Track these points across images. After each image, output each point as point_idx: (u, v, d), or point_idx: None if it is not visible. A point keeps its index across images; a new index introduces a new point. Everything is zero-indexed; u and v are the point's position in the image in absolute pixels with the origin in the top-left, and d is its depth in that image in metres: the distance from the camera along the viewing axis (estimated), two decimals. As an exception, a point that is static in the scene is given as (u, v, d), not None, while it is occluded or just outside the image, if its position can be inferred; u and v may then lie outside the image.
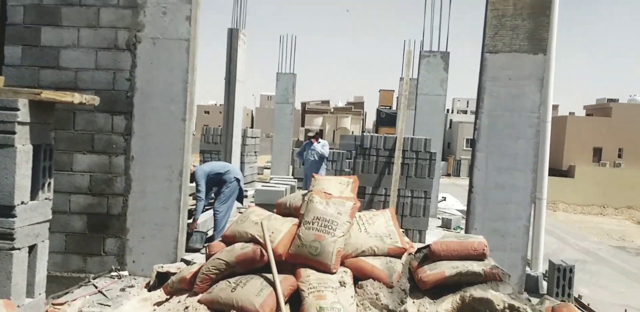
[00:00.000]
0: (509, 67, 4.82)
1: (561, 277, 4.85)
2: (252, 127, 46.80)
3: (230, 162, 8.64)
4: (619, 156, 35.19)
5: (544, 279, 5.24)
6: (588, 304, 5.20)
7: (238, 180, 6.14)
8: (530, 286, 5.02)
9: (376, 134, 7.72)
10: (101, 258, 4.85)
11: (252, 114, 65.11)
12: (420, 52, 9.78)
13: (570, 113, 40.48)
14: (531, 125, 4.81)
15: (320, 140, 9.70)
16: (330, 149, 9.97)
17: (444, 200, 11.90)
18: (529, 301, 3.42)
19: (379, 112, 54.33)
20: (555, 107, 49.36)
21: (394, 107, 42.86)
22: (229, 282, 3.16)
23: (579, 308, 4.71)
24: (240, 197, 6.27)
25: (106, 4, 4.81)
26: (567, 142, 35.08)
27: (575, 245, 22.30)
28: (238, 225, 3.72)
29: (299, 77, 15.16)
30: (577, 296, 5.17)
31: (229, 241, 3.67)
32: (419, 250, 3.67)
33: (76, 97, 3.02)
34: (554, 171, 31.31)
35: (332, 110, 60.10)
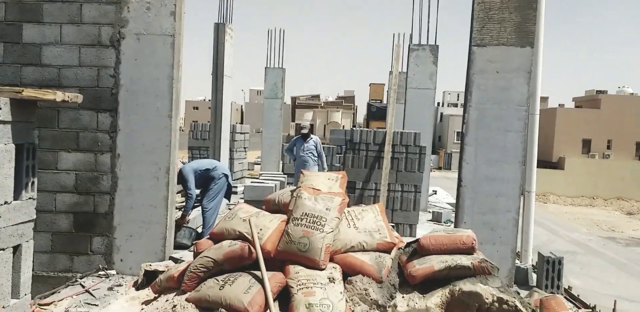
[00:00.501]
0: (496, 60, 4.81)
1: (550, 270, 4.88)
2: (241, 122, 46.63)
3: (219, 159, 8.60)
4: (608, 148, 35.53)
5: (534, 272, 5.27)
6: (578, 295, 5.25)
7: (226, 176, 6.10)
8: (520, 279, 5.04)
9: (366, 129, 7.71)
10: (88, 257, 4.80)
11: (241, 110, 64.86)
12: (410, 45, 9.77)
13: (559, 105, 40.72)
14: (519, 118, 4.81)
15: (312, 136, 9.51)
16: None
17: (435, 193, 11.94)
18: (518, 293, 3.42)
19: (369, 106, 54.37)
20: (544, 99, 49.69)
21: (385, 101, 42.87)
22: (217, 280, 3.14)
23: (568, 299, 4.75)
24: (229, 194, 6.23)
25: (89, 0, 4.72)
26: (557, 134, 35.35)
27: (566, 236, 22.54)
28: (226, 222, 3.69)
29: (289, 71, 15.11)
30: (567, 287, 5.22)
31: (217, 238, 3.64)
32: (408, 245, 3.67)
33: (59, 95, 2.96)
34: (544, 163, 31.58)
35: (322, 104, 60.07)
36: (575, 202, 32.14)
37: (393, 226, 5.22)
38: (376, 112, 49.62)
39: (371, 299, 3.05)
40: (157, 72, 4.76)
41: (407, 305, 3.09)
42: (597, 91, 38.46)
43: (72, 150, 4.81)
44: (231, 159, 11.33)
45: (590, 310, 4.65)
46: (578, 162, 33.42)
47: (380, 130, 7.48)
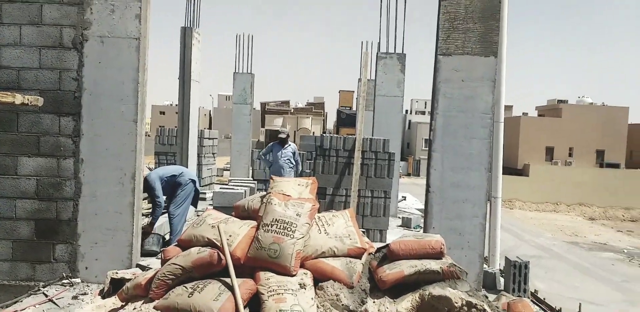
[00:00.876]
0: (461, 69, 4.91)
1: (517, 274, 4.98)
2: (210, 127, 46.05)
3: (186, 164, 8.45)
4: (570, 155, 36.83)
5: (501, 276, 5.37)
6: (544, 299, 5.37)
7: (194, 182, 6.00)
8: (488, 283, 5.13)
9: (336, 135, 7.74)
10: (51, 265, 4.62)
11: (209, 115, 64.20)
12: (378, 54, 9.90)
13: (523, 113, 41.98)
14: (484, 125, 4.92)
15: (289, 143, 9.47)
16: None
17: (404, 199, 12.07)
18: (486, 297, 3.48)
19: (339, 112, 54.70)
20: (509, 108, 51.11)
21: (354, 108, 43.25)
22: (186, 287, 3.06)
23: (534, 303, 4.85)
24: (196, 200, 6.13)
25: (50, 1, 4.58)
26: (521, 141, 36.41)
27: (531, 241, 23.14)
28: (194, 229, 3.62)
29: (258, 77, 15.04)
30: (533, 291, 5.33)
31: (185, 245, 3.56)
32: (378, 250, 3.68)
33: (17, 98, 2.85)
34: (510, 170, 32.47)
35: (292, 110, 60.11)
36: (539, 208, 33.10)
37: (363, 232, 5.23)
38: (346, 119, 49.95)
39: (342, 305, 3.04)
40: (121, 75, 4.65)
41: (378, 310, 3.09)
42: (558, 101, 39.91)
43: (33, 155, 4.63)
44: (199, 164, 11.16)
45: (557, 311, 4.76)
46: (542, 169, 34.49)
47: (350, 136, 7.53)
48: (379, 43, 10.02)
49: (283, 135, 9.39)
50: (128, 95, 4.65)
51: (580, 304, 8.24)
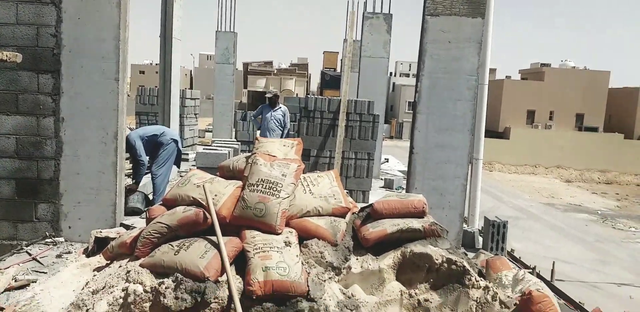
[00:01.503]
0: (449, 30, 4.86)
1: (495, 233, 5.16)
2: (191, 88, 45.15)
3: (168, 125, 8.34)
4: (550, 118, 37.28)
5: (480, 235, 5.56)
6: (520, 257, 5.60)
7: (176, 141, 5.94)
8: (467, 242, 5.31)
9: (320, 97, 7.67)
10: (33, 225, 4.62)
11: (190, 75, 62.81)
12: (364, 13, 9.67)
13: (507, 77, 41.97)
14: (469, 87, 4.92)
15: (280, 105, 9.32)
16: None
17: (387, 161, 12.20)
18: (466, 255, 3.61)
19: (323, 74, 53.93)
20: (493, 71, 51.00)
21: (339, 70, 42.68)
22: (172, 245, 3.10)
23: (511, 261, 5.06)
24: (179, 160, 6.09)
25: (23, -50, 4.32)
26: (504, 105, 36.63)
27: (509, 203, 23.82)
28: (179, 188, 3.63)
29: (241, 36, 14.62)
30: (510, 250, 5.55)
31: (169, 204, 3.58)
32: (362, 209, 3.75)
33: (-8, 52, 2.73)
34: (491, 133, 32.83)
35: (275, 71, 59.07)
36: (518, 171, 33.87)
37: (347, 192, 5.31)
38: (330, 81, 49.34)
39: (326, 262, 3.12)
40: (102, 32, 4.49)
41: (361, 266, 3.19)
42: (541, 64, 39.88)
43: (12, 114, 4.52)
44: (181, 125, 11.02)
45: (531, 270, 4.98)
46: (522, 132, 34.96)
47: (335, 98, 7.47)
48: (365, 2, 9.78)
49: (269, 95, 9.25)
50: (109, 53, 4.52)
51: (553, 262, 8.63)
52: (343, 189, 3.87)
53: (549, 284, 4.98)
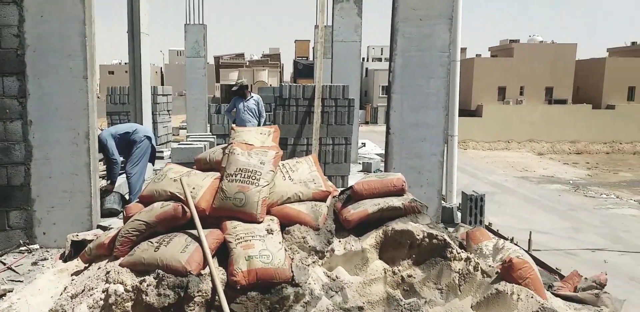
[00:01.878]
0: (420, 7, 4.86)
1: (473, 207, 5.25)
2: (162, 85, 44.41)
3: (141, 122, 8.19)
4: (521, 94, 37.83)
5: (458, 211, 5.65)
6: (497, 230, 5.72)
7: (149, 138, 5.84)
8: (446, 218, 5.39)
9: (295, 84, 7.62)
10: (6, 233, 4.49)
11: (161, 72, 61.68)
12: (334, -3, 9.62)
13: (477, 55, 42.33)
14: (442, 64, 4.95)
15: (252, 95, 9.15)
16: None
17: (364, 146, 12.26)
18: (446, 229, 3.67)
19: (295, 63, 53.60)
20: (463, 50, 51.36)
21: (311, 58, 42.45)
22: (151, 242, 3.06)
23: (489, 232, 5.17)
24: (153, 158, 6.00)
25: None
26: (475, 83, 37.00)
27: (485, 179, 24.25)
28: (155, 184, 3.57)
29: (210, 29, 14.40)
30: (487, 224, 5.66)
31: (147, 201, 3.52)
32: (342, 192, 3.76)
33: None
34: (464, 112, 33.17)
35: (247, 63, 58.47)
36: (492, 147, 34.47)
37: (326, 178, 5.32)
38: (303, 70, 49.07)
39: (309, 246, 3.13)
40: (67, 29, 4.36)
41: (344, 248, 3.21)
42: (510, 40, 40.28)
43: (-25, 120, 4.37)
44: (154, 123, 10.84)
45: (509, 240, 5.09)
46: (494, 109, 35.49)
47: (310, 85, 7.43)
48: (332, -15, 9.69)
49: (235, 88, 9.12)
50: (75, 50, 4.39)
51: (530, 232, 8.84)
52: (322, 174, 3.86)
53: (528, 253, 5.10)
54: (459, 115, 6.74)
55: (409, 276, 3.10)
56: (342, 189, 3.96)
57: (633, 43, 40.17)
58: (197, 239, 3.01)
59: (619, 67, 36.70)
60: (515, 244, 5.29)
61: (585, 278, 3.30)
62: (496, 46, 42.44)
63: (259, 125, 9.15)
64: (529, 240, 7.87)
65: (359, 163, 9.41)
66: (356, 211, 3.35)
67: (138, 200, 3.72)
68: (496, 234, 5.55)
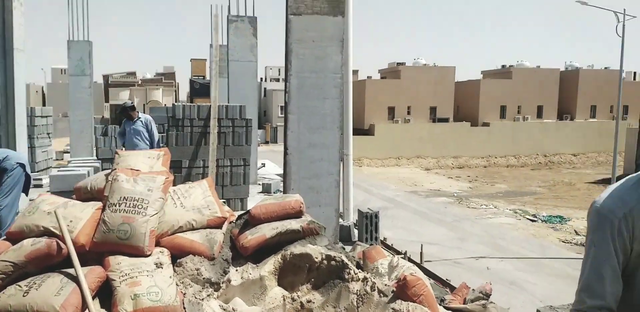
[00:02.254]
0: (312, 29, 4.96)
1: (369, 223, 5.39)
2: (44, 105, 40.61)
3: (14, 148, 7.33)
4: (408, 113, 40.44)
5: (355, 228, 5.77)
6: (392, 245, 5.93)
7: (22, 166, 5.23)
8: (344, 236, 5.47)
9: (189, 104, 7.37)
10: None
11: (42, 91, 56.70)
12: (228, 17, 9.58)
13: (368, 77, 44.59)
14: (335, 85, 5.08)
15: (140, 116, 8.48)
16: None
17: (263, 166, 12.18)
18: (344, 249, 3.69)
19: (192, 82, 52.33)
20: (355, 73, 53.89)
21: (208, 77, 41.66)
22: (20, 286, 2.67)
23: (384, 249, 5.33)
24: (27, 187, 5.37)
25: None
26: (367, 103, 38.92)
27: (379, 194, 25.34)
28: (25, 218, 3.16)
29: (97, 46, 13.55)
30: (382, 239, 5.85)
31: (15, 237, 3.09)
32: (239, 217, 3.63)
33: None
34: (358, 130, 34.64)
35: (139, 82, 55.97)
36: (384, 164, 36.35)
37: (224, 202, 5.14)
38: (200, 89, 48.03)
39: (204, 278, 2.94)
40: None
41: (242, 277, 3.07)
42: (397, 63, 43.05)
43: None
44: (31, 147, 9.82)
45: (402, 255, 5.29)
46: (385, 128, 37.61)
47: (205, 104, 7.23)
48: (229, 6, 9.69)
49: (117, 111, 8.53)
50: None
51: (422, 245, 9.34)
52: (218, 198, 3.70)
53: (420, 266, 5.34)
54: (353, 134, 6.96)
55: (309, 301, 3.04)
56: (239, 213, 3.83)
57: (503, 66, 45.06)
58: (75, 279, 2.69)
59: (491, 88, 40.89)
60: (408, 257, 5.53)
61: (473, 289, 3.49)
62: (385, 69, 45.11)
63: (151, 148, 8.63)
64: (421, 252, 8.29)
65: (259, 184, 9.30)
66: (254, 236, 3.24)
67: (4, 237, 3.26)
68: (391, 248, 5.76)
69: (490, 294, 3.40)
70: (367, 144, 35.06)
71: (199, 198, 3.54)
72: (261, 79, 55.28)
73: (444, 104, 40.84)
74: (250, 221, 3.48)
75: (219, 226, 3.43)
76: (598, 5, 19.26)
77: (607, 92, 39.94)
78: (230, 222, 3.62)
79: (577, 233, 19.10)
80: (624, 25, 18.23)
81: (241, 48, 9.60)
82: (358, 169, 32.18)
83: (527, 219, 21.26)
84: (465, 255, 15.82)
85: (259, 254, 3.24)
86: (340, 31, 5.05)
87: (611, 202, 1.28)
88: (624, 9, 18.41)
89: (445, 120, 40.67)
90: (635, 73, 50.81)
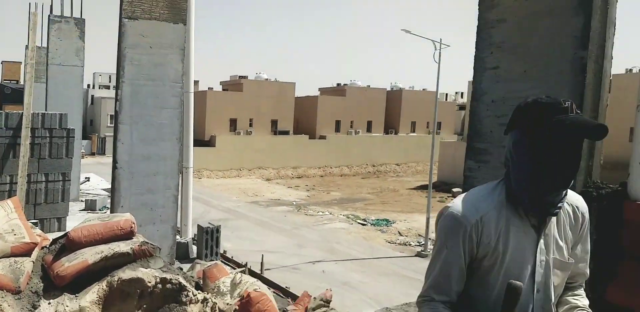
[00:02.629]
0: (149, 34, 4.66)
1: (209, 239, 5.18)
2: None
3: None
4: (250, 125, 40.79)
5: (194, 244, 5.51)
6: (232, 257, 5.81)
7: None
8: (182, 253, 5.18)
9: (-6, 110, 6.29)
10: None
11: None
12: (49, 16, 8.52)
13: (209, 88, 43.81)
14: (175, 94, 4.82)
15: None
16: None
17: (88, 180, 11.02)
18: (181, 269, 3.45)
19: (2, 87, 45.22)
20: (196, 83, 52.44)
21: (22, 81, 36.45)
22: None
23: (225, 263, 5.18)
24: None
25: None
26: (208, 114, 38.20)
27: (219, 206, 24.95)
28: None
29: None
30: (222, 252, 5.69)
31: None
32: (54, 241, 3.14)
33: None
34: (198, 142, 33.67)
35: None
36: (225, 175, 36.06)
37: (35, 223, 4.44)
38: (12, 94, 41.78)
39: (7, 317, 2.46)
40: None
41: (56, 311, 2.64)
42: (239, 76, 43.20)
43: None
44: None
45: (244, 268, 5.20)
46: (227, 139, 37.38)
47: (16, 112, 6.25)
48: (51, 5, 8.62)
49: None
50: None
51: (262, 255, 9.38)
52: (26, 221, 3.16)
53: (260, 276, 5.33)
54: (194, 145, 6.69)
55: (140, 332, 2.75)
56: (56, 236, 3.32)
57: (338, 84, 48.35)
58: None
59: (328, 104, 43.56)
60: (249, 268, 5.46)
61: (314, 297, 3.56)
62: (227, 81, 44.89)
63: None
64: (262, 262, 8.33)
65: (82, 201, 8.34)
66: (72, 263, 2.82)
67: None
68: (231, 261, 5.63)
69: (331, 301, 3.51)
70: (208, 155, 34.39)
71: (2, 222, 2.99)
72: (88, 85, 50.61)
73: (285, 118, 42.22)
74: (68, 245, 3.03)
75: (27, 253, 2.92)
76: (419, 34, 21.93)
77: (425, 111, 45.57)
78: (43, 248, 3.11)
79: (400, 234, 21.25)
80: (440, 52, 21.08)
81: (65, 51, 8.66)
82: (198, 181, 31.22)
83: (359, 223, 22.99)
84: (303, 260, 16.40)
85: (79, 282, 2.83)
86: (181, 39, 4.83)
87: (466, 208, 1.38)
88: (440, 39, 21.33)
89: (286, 132, 42.03)
90: (447, 94, 59.99)
